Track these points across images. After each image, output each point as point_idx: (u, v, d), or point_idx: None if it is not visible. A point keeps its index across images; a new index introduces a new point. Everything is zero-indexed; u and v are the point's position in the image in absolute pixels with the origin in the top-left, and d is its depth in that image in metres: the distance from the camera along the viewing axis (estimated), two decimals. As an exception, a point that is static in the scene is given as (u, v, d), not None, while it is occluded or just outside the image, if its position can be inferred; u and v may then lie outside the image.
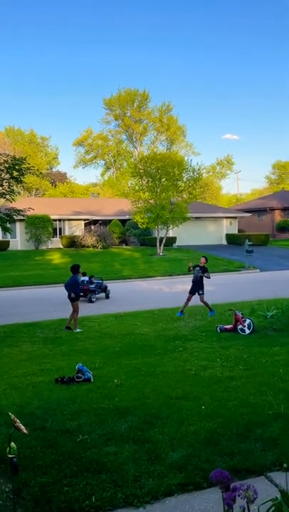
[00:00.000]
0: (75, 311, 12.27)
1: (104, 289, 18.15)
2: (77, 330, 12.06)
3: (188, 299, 13.69)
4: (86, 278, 18.01)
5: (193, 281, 13.85)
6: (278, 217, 46.56)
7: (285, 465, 2.94)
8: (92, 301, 17.30)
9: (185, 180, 33.35)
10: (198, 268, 13.88)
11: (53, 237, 37.49)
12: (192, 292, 13.76)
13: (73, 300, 12.29)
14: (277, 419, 4.83)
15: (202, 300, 13.64)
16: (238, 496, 2.06)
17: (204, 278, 13.65)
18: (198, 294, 13.64)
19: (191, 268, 13.98)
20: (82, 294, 17.07)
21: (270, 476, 3.74)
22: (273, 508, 2.41)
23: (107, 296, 18.10)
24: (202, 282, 13.70)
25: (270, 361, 7.73)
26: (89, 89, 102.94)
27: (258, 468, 3.84)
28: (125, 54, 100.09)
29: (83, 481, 3.70)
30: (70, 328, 12.22)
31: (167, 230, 33.97)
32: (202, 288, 13.66)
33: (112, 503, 3.41)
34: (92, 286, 17.70)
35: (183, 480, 3.69)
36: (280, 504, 2.41)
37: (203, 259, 14.12)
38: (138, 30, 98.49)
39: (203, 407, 5.32)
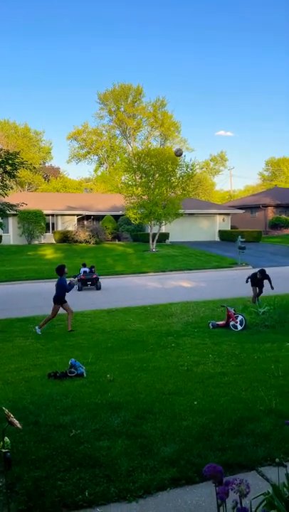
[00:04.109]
0: (54, 314, 11.57)
1: None
2: (39, 330, 11.22)
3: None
4: (87, 269, 18.98)
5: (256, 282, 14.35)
6: (271, 214, 46.75)
7: (277, 460, 2.98)
8: (100, 289, 18.62)
9: (178, 176, 33.35)
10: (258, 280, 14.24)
11: (45, 232, 37.35)
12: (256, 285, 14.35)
13: (59, 303, 11.56)
14: (269, 415, 4.87)
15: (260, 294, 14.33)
16: (231, 490, 2.08)
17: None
18: (261, 290, 14.32)
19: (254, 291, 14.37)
20: (90, 283, 18.31)
21: (261, 470, 3.78)
22: (265, 502, 2.44)
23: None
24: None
25: (262, 357, 7.78)
26: (83, 83, 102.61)
27: (250, 463, 3.88)
28: (119, 49, 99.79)
29: (76, 475, 3.72)
30: (72, 330, 11.47)
31: (160, 226, 33.98)
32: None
33: (105, 498, 3.43)
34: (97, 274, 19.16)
35: (175, 474, 3.71)
36: (272, 498, 2.44)
37: (260, 275, 14.24)
38: (132, 24, 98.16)
39: (195, 403, 5.35)
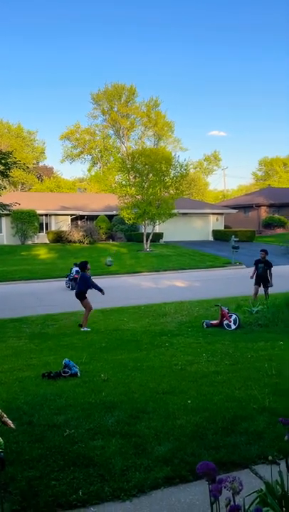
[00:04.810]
0: (87, 308, 11.71)
1: None
2: (85, 329, 11.43)
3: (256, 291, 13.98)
4: (78, 268, 18.90)
5: (258, 275, 14.00)
6: (264, 213, 46.93)
7: (270, 457, 3.00)
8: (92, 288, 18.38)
9: (172, 176, 33.38)
10: (261, 264, 13.97)
11: (39, 232, 37.23)
12: (258, 284, 13.98)
13: (82, 298, 11.77)
14: (262, 413, 4.89)
15: (267, 293, 13.89)
16: (224, 487, 2.08)
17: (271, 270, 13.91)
18: (265, 286, 13.87)
19: (253, 275, 14.12)
20: None
21: (254, 468, 3.79)
22: (258, 499, 2.45)
23: None
24: (267, 276, 13.87)
25: (255, 356, 7.81)
26: (77, 83, 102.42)
27: (243, 461, 3.89)
28: (113, 48, 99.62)
29: (70, 475, 3.71)
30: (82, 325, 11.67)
31: (154, 226, 33.99)
32: (269, 281, 13.88)
33: (99, 497, 3.43)
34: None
35: (169, 473, 3.72)
36: (265, 495, 2.45)
37: (263, 253, 14.10)
38: (126, 24, 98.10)
39: (189, 402, 5.36)
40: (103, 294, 11.78)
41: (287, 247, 31.72)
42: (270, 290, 13.93)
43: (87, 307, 11.74)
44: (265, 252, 14.21)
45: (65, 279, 20.29)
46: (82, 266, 12.01)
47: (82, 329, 11.43)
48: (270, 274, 13.88)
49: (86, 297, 11.77)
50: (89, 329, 11.43)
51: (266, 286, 13.92)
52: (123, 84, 61.63)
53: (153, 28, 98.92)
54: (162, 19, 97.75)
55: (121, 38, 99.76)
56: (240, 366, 7.14)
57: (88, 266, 12.12)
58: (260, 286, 13.97)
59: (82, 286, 11.79)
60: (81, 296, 11.76)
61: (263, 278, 13.93)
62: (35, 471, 3.77)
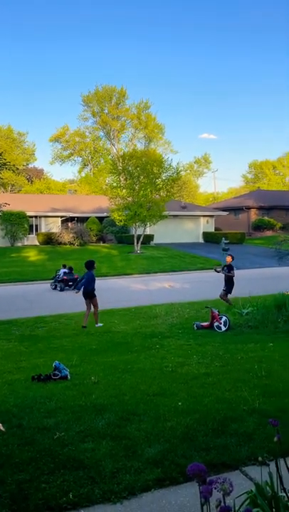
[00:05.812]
0: (95, 306, 12.18)
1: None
2: (99, 324, 11.99)
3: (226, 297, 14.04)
4: (67, 270, 19.07)
5: (224, 280, 14.08)
6: (254, 216, 47.22)
7: (260, 458, 3.01)
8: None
9: (164, 178, 33.45)
10: (226, 268, 14.07)
11: (29, 233, 37.03)
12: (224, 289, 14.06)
13: (91, 296, 12.16)
14: (252, 415, 4.91)
15: (221, 296, 13.94)
16: (215, 488, 2.09)
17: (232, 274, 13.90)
18: (223, 289, 13.91)
19: (218, 270, 14.26)
20: (71, 283, 18.29)
21: (245, 470, 3.81)
22: (248, 500, 2.47)
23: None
24: (230, 280, 13.87)
25: (245, 358, 7.84)
26: (67, 85, 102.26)
27: (234, 462, 3.90)
28: (104, 50, 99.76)
29: (60, 477, 3.70)
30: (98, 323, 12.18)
31: (145, 228, 34.00)
32: (227, 285, 13.86)
33: (90, 499, 3.42)
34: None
35: (160, 475, 3.71)
36: (255, 496, 2.46)
37: (229, 258, 14.19)
38: (117, 25, 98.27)
39: (179, 403, 5.36)
40: (76, 292, 12.43)
41: (276, 249, 31.90)
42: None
43: (96, 305, 12.16)
44: (231, 256, 14.32)
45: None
46: (90, 264, 12.28)
47: (96, 325, 11.90)
48: (230, 277, 13.87)
49: (95, 295, 12.17)
50: (101, 324, 11.96)
51: (224, 290, 13.95)
52: (113, 87, 61.68)
53: (147, 29, 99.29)
54: (154, 19, 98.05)
55: (112, 40, 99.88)
56: (230, 368, 7.17)
57: (95, 265, 12.49)
58: (225, 291, 14.04)
59: (90, 284, 12.09)
60: (91, 294, 12.09)
61: (225, 281, 14.01)
62: (25, 474, 3.75)
